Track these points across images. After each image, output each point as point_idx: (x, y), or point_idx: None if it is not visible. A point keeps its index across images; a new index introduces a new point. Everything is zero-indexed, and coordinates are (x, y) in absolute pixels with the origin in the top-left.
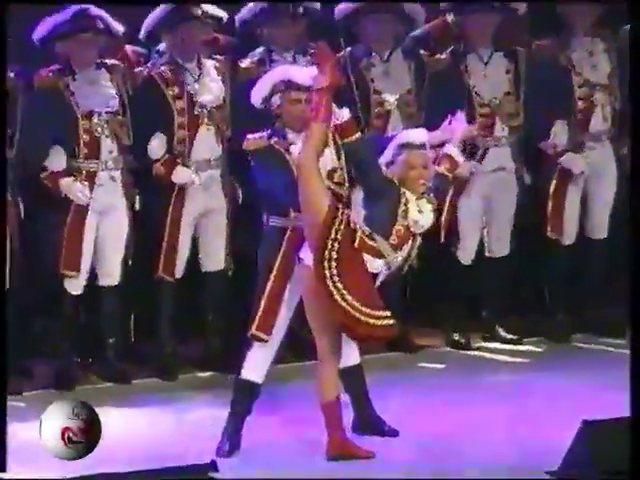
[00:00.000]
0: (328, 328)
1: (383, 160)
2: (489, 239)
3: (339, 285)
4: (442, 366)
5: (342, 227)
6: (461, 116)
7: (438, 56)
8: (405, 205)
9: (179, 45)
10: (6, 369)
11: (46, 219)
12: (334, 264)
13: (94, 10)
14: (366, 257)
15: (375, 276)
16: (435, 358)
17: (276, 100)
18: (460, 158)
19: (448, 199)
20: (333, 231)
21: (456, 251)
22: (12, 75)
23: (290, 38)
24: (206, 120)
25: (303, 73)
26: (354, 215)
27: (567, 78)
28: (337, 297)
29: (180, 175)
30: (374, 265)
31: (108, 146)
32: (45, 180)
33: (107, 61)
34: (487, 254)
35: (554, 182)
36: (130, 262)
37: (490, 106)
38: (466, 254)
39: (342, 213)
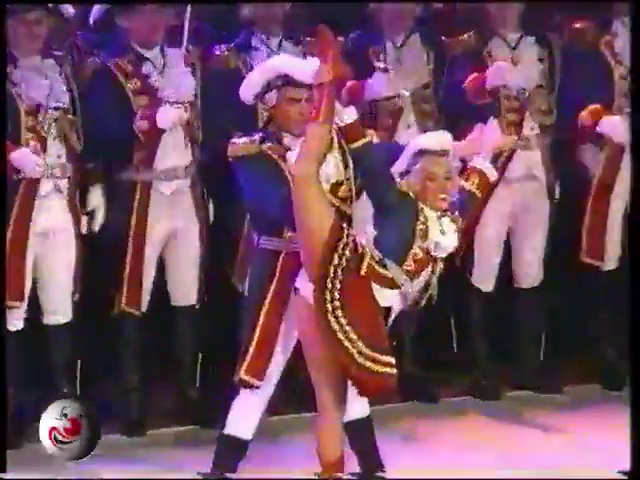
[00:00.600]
0: (331, 373)
1: (396, 170)
2: (517, 266)
3: (342, 321)
4: (466, 419)
5: (347, 252)
6: (494, 125)
7: (459, 37)
8: (424, 224)
9: (138, 31)
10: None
11: None
12: (337, 295)
13: None
14: (375, 288)
15: (387, 311)
16: (457, 409)
17: (271, 98)
18: (492, 173)
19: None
20: (336, 256)
21: (470, 277)
22: None
23: (276, 19)
24: (175, 106)
25: (304, 67)
26: (361, 237)
27: (607, 69)
28: (340, 335)
29: (165, 116)
30: (386, 297)
31: (56, 149)
32: None
33: (56, 51)
34: (515, 285)
35: (592, 195)
36: (78, 295)
37: (518, 99)
38: (484, 280)
39: (347, 235)
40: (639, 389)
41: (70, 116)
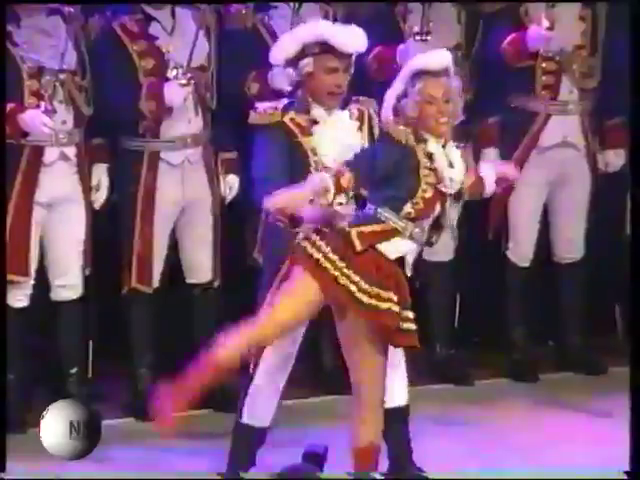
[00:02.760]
0: (366, 350)
1: (393, 93)
2: (555, 239)
3: (339, 264)
4: (501, 403)
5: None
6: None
7: None
8: (429, 158)
9: None
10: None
11: None
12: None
13: None
14: (384, 247)
15: (401, 262)
16: (492, 392)
17: (306, 65)
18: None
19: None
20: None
21: (506, 251)
22: None
23: None
24: (182, 84)
25: (346, 35)
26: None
27: None
28: (338, 274)
29: (173, 95)
30: (396, 248)
31: (61, 114)
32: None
33: (63, 7)
34: (554, 259)
35: None
36: (89, 270)
37: (555, 60)
38: (521, 254)
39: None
40: (639, 389)
41: (78, 79)
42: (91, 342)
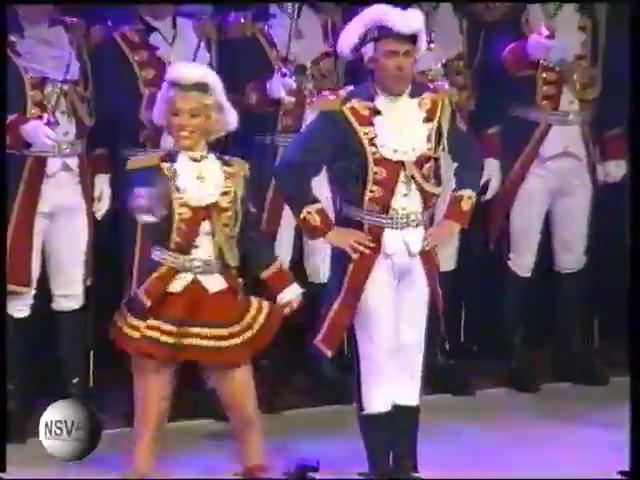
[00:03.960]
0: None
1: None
2: (556, 248)
3: None
4: (501, 413)
5: None
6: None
7: (494, 4)
8: (173, 175)
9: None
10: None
11: None
12: None
13: None
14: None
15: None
16: (493, 402)
17: (368, 50)
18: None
19: (495, 188)
20: None
21: (508, 261)
22: None
23: None
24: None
25: (403, 17)
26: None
27: None
28: None
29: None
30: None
31: (64, 125)
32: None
33: (66, 17)
34: (555, 268)
35: None
36: (91, 280)
37: (556, 71)
38: (522, 264)
39: None
40: (639, 389)
41: (80, 89)
42: (92, 352)
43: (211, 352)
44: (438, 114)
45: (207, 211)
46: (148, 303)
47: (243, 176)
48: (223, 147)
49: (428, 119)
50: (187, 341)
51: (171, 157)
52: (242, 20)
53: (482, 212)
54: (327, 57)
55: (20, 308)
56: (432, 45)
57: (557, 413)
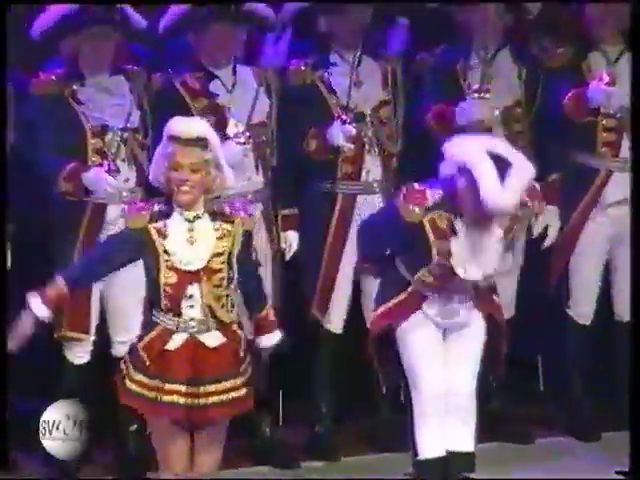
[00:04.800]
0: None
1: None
2: (616, 297)
3: None
4: (561, 462)
5: None
6: None
7: (556, 50)
8: (163, 236)
9: (206, 48)
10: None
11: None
12: None
13: None
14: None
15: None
16: (553, 451)
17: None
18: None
19: (554, 236)
20: None
21: (567, 308)
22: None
23: (355, 31)
24: (241, 142)
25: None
26: None
27: None
28: None
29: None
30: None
31: (124, 172)
32: (63, 183)
33: (127, 66)
34: (616, 317)
35: None
36: None
37: (616, 117)
38: (582, 312)
39: None
40: (639, 390)
41: (140, 137)
42: None
43: (225, 405)
44: None
45: (196, 275)
46: (147, 361)
47: (243, 232)
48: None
49: None
50: (202, 401)
51: (162, 216)
52: (302, 67)
53: (541, 259)
54: (386, 105)
55: (80, 355)
56: (488, 94)
57: (619, 462)
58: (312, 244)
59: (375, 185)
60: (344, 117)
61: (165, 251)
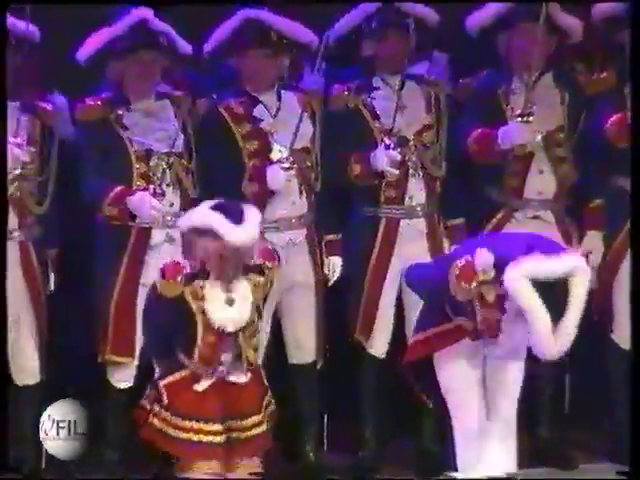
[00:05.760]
0: None
1: None
2: None
3: None
4: None
5: None
6: None
7: (598, 75)
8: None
9: (250, 73)
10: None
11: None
12: None
13: (156, 22)
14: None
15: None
16: (597, 476)
17: None
18: None
19: (598, 262)
20: None
21: (611, 333)
22: (49, 107)
23: (398, 56)
24: (285, 167)
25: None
26: None
27: None
28: None
29: (275, 178)
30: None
31: (169, 197)
32: (107, 208)
33: (172, 91)
34: None
35: None
36: None
37: None
38: (625, 337)
39: None
40: (639, 389)
41: (185, 161)
42: None
43: (256, 440)
44: None
45: (234, 334)
46: (165, 400)
47: (270, 282)
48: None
49: None
50: (235, 435)
51: (197, 276)
52: (345, 92)
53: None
54: (429, 129)
55: (124, 379)
56: (531, 118)
57: None
58: (355, 269)
59: (419, 209)
60: (388, 142)
61: (202, 312)
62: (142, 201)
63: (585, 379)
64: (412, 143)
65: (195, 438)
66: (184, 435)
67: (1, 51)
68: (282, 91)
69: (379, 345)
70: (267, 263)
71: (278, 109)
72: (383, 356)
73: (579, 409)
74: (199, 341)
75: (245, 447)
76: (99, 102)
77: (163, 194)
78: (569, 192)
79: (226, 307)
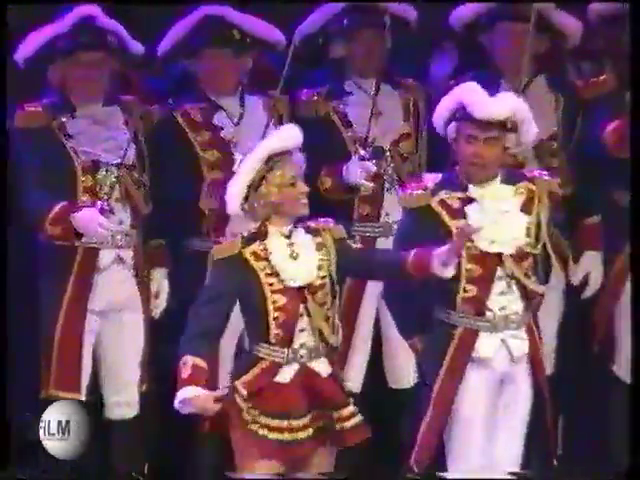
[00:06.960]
0: None
1: (244, 181)
2: None
3: None
4: None
5: None
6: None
7: (595, 79)
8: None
9: (209, 76)
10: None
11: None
12: None
13: (103, 20)
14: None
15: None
16: None
17: (451, 131)
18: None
19: (597, 285)
20: None
21: (612, 365)
22: None
23: (373, 58)
24: None
25: (482, 102)
26: None
27: None
28: None
29: None
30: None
31: (118, 213)
32: (49, 227)
33: (122, 96)
34: None
35: None
36: (146, 386)
37: None
38: (628, 370)
39: None
40: (639, 388)
41: (136, 174)
42: (146, 465)
43: (352, 432)
44: (536, 207)
45: (302, 293)
46: (245, 392)
47: (335, 241)
48: None
49: (526, 211)
50: (337, 426)
51: (256, 238)
52: (315, 97)
53: (583, 310)
54: (408, 138)
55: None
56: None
57: None
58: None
59: (395, 227)
60: (362, 152)
61: (268, 274)
62: (89, 219)
63: (580, 418)
64: (389, 154)
65: (287, 436)
66: (273, 435)
67: (1, 52)
68: (246, 96)
69: (355, 379)
70: (322, 224)
71: (241, 116)
72: (358, 391)
73: (573, 448)
74: (271, 312)
75: (345, 437)
76: (40, 108)
77: (112, 211)
78: (562, 206)
79: (291, 260)
